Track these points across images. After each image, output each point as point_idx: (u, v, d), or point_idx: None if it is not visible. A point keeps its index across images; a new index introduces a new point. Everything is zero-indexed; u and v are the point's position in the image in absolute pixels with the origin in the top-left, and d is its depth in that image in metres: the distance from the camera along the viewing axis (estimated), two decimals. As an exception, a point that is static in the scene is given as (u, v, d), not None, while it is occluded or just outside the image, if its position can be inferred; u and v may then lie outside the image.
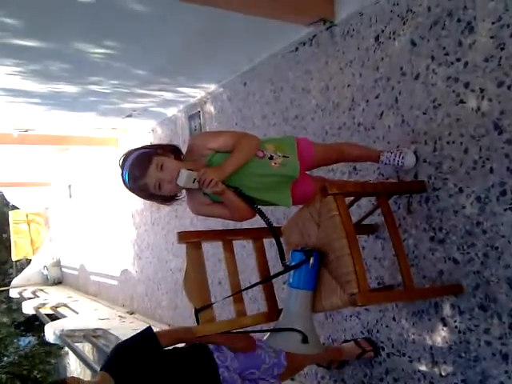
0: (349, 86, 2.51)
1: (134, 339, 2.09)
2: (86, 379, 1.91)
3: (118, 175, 1.81)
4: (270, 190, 1.88)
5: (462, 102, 1.94)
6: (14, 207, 11.81)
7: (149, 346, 2.04)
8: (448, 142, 2.00)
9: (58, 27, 2.58)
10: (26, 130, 5.09)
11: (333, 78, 2.61)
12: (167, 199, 1.86)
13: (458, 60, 1.94)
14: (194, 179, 1.72)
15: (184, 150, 1.88)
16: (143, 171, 1.72)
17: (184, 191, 1.86)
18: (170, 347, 2.13)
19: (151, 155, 1.76)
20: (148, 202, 5.12)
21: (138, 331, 2.13)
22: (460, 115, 1.94)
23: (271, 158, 1.85)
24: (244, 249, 2.97)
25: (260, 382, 2.23)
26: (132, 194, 1.82)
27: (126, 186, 1.79)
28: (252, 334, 2.19)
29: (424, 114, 2.10)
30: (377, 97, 2.34)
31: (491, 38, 1.81)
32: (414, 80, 2.14)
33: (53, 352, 15.23)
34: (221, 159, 1.79)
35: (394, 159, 2.12)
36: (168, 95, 3.94)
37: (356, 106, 2.46)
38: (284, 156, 1.87)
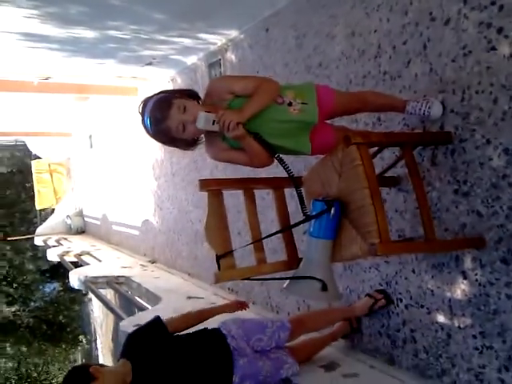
0: (375, 31, 2.41)
1: (144, 327, 2.29)
2: (106, 366, 2.08)
3: (139, 124, 1.80)
4: (289, 137, 1.85)
5: (493, 48, 1.85)
6: (37, 157, 11.95)
7: (158, 332, 2.23)
8: (477, 92, 1.92)
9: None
10: (47, 78, 5.06)
11: (358, 24, 2.51)
12: (189, 143, 1.85)
13: (493, 3, 1.83)
14: (214, 121, 1.69)
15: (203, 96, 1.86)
16: (165, 113, 1.70)
17: (203, 136, 1.85)
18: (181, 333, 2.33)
19: (171, 98, 1.74)
20: (168, 152, 5.13)
21: (148, 321, 2.32)
22: (491, 63, 1.86)
23: (290, 104, 1.81)
24: (263, 201, 2.96)
25: (271, 354, 2.30)
26: (154, 139, 1.81)
27: (148, 132, 1.78)
28: None
29: (453, 61, 2.01)
30: (404, 43, 2.24)
31: (530, -22, 1.70)
32: (444, 25, 2.04)
33: (77, 298, 15.81)
34: (241, 104, 1.76)
35: (420, 109, 2.05)
36: (188, 42, 3.86)
37: (382, 53, 2.37)
38: (303, 103, 1.83)
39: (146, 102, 1.77)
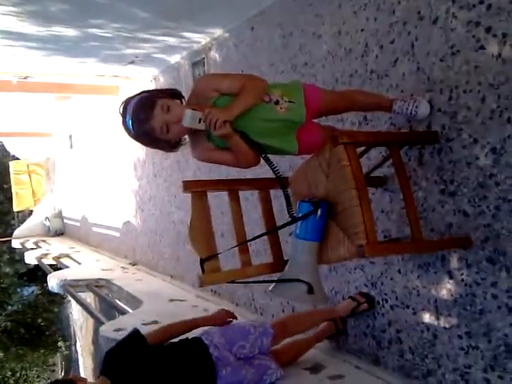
0: (362, 30, 2.39)
1: (122, 342, 2.20)
2: (88, 381, 2.02)
3: (120, 124, 1.75)
4: (275, 136, 1.82)
5: (482, 47, 1.84)
6: (15, 158, 11.75)
7: (137, 347, 2.15)
8: (465, 91, 1.92)
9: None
10: (26, 77, 4.96)
11: (346, 23, 2.49)
12: (172, 145, 1.81)
13: (481, 2, 1.83)
14: (200, 119, 1.65)
15: (187, 96, 1.81)
16: (149, 114, 1.66)
17: (187, 137, 1.81)
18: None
19: (154, 98, 1.70)
20: (150, 152, 5.07)
21: (126, 334, 2.25)
22: (479, 62, 1.86)
23: (277, 102, 1.78)
24: (248, 202, 2.93)
25: (254, 361, 2.26)
26: (136, 141, 1.76)
27: (130, 133, 1.73)
28: None
29: (441, 60, 2.01)
30: (392, 42, 2.23)
31: (518, -23, 1.70)
32: (432, 24, 2.03)
33: (56, 301, 15.55)
34: (227, 102, 1.72)
35: (407, 108, 2.04)
36: (171, 40, 3.81)
37: (369, 52, 2.36)
38: (290, 101, 1.80)
39: (127, 102, 1.72)
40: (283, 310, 3.13)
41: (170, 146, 1.81)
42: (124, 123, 1.72)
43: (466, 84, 1.91)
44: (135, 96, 1.74)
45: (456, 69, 1.95)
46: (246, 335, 2.30)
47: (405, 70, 2.18)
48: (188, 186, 2.02)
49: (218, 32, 3.63)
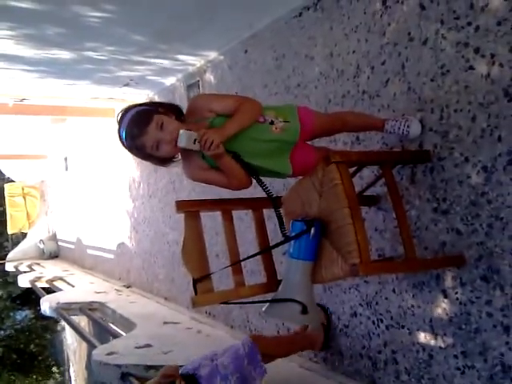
0: (354, 52, 2.43)
1: None
2: None
3: (115, 145, 1.76)
4: (269, 157, 1.82)
5: (471, 68, 1.87)
6: (10, 180, 11.71)
7: None
8: (455, 110, 1.94)
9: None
10: (22, 100, 4.98)
11: (337, 45, 2.53)
12: (164, 161, 1.80)
13: (469, 24, 1.87)
14: (195, 140, 1.66)
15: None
16: (142, 129, 1.65)
17: (180, 154, 1.81)
18: None
19: (152, 113, 1.69)
20: (145, 173, 5.07)
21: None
22: (469, 82, 1.88)
23: (272, 123, 1.79)
24: (242, 222, 2.92)
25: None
26: (128, 152, 1.76)
27: (123, 144, 1.73)
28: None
29: (431, 80, 2.03)
30: (383, 63, 2.26)
31: (505, 0, 1.73)
32: (422, 45, 2.06)
33: (49, 326, 15.34)
34: (222, 122, 1.73)
35: (399, 128, 2.06)
36: (166, 63, 3.85)
37: (361, 73, 2.39)
38: (285, 121, 1.81)
39: (125, 112, 1.72)
40: (278, 331, 3.10)
41: (161, 161, 1.81)
42: (119, 133, 1.73)
43: (457, 103, 1.93)
44: (135, 107, 1.74)
45: (446, 88, 1.97)
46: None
47: (396, 90, 2.20)
48: (181, 206, 2.01)
49: (212, 54, 3.67)
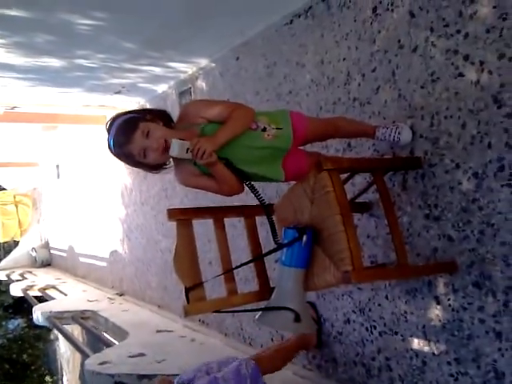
0: (344, 59, 2.44)
1: None
2: None
3: (107, 152, 1.75)
4: (262, 163, 1.82)
5: (460, 75, 1.88)
6: (1, 188, 11.64)
7: None
8: (445, 117, 1.95)
9: (43, -4, 2.48)
10: (13, 108, 4.96)
11: (328, 52, 2.54)
12: (155, 167, 1.80)
13: (458, 31, 1.88)
14: (187, 149, 1.65)
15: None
16: (128, 137, 1.66)
17: (172, 160, 1.81)
18: None
19: (138, 121, 1.69)
20: (137, 180, 5.05)
21: None
22: (458, 89, 1.89)
23: (264, 129, 1.79)
24: (235, 229, 2.91)
25: None
26: (117, 159, 1.76)
27: (112, 152, 1.73)
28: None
29: (422, 87, 2.04)
30: (373, 70, 2.27)
31: (493, 7, 1.75)
32: (412, 53, 2.08)
33: (42, 335, 15.20)
34: (214, 129, 1.72)
35: (389, 135, 2.07)
36: (158, 70, 3.84)
37: (352, 80, 2.40)
38: (277, 128, 1.81)
39: (113, 120, 1.73)
40: (272, 339, 3.09)
41: (151, 168, 1.81)
42: (107, 141, 1.73)
43: (447, 110, 1.94)
44: (122, 115, 1.74)
45: (436, 95, 1.98)
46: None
47: (387, 97, 2.21)
48: (173, 214, 2.00)
49: (204, 62, 3.67)
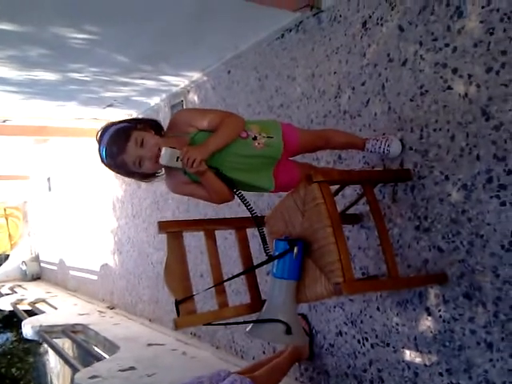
0: (335, 73, 2.47)
1: None
2: None
3: (98, 165, 1.75)
4: (252, 172, 1.83)
5: (449, 88, 1.91)
6: (-8, 201, 11.55)
7: None
8: (435, 130, 1.97)
9: (35, 9, 2.48)
10: (4, 121, 4.95)
11: (319, 66, 2.57)
12: (147, 176, 1.81)
13: (447, 45, 1.91)
14: (177, 157, 1.66)
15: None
16: (122, 148, 1.65)
17: (163, 168, 1.81)
18: None
19: (130, 130, 1.69)
20: (129, 193, 5.03)
21: None
22: (447, 102, 1.92)
23: (255, 138, 1.80)
24: (226, 241, 2.92)
25: None
26: (109, 170, 1.76)
27: (103, 162, 1.72)
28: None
29: (411, 100, 2.07)
30: (363, 84, 2.30)
31: (480, 22, 1.78)
32: (402, 66, 2.10)
33: (32, 349, 15.00)
34: (204, 138, 1.74)
35: (379, 147, 2.09)
36: (150, 84, 3.86)
37: (342, 93, 2.43)
38: (268, 137, 1.82)
39: (104, 130, 1.72)
40: (264, 352, 3.08)
41: (144, 177, 1.82)
42: (99, 151, 1.72)
43: (436, 123, 1.97)
44: (114, 125, 1.73)
45: (425, 108, 2.01)
46: None
47: (376, 110, 2.24)
48: (163, 226, 2.00)
49: (196, 75, 3.69)
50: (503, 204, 1.74)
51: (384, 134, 2.17)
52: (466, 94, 1.85)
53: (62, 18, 2.59)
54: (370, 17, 2.24)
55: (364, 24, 2.28)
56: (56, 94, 4.00)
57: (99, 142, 1.71)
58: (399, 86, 2.12)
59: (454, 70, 1.89)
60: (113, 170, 1.76)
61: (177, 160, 1.66)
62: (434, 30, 1.95)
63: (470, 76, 1.83)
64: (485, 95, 1.78)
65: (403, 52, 2.10)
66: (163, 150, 1.66)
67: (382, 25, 2.19)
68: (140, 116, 4.74)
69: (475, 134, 1.82)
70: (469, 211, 1.86)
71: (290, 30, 2.76)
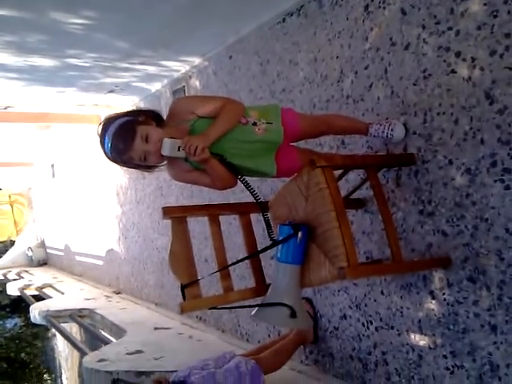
0: (337, 57, 2.45)
1: None
2: None
3: (101, 150, 1.75)
4: (254, 157, 1.84)
5: (452, 71, 1.90)
6: (-4, 188, 11.61)
7: None
8: (438, 113, 1.96)
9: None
10: (6, 108, 4.94)
11: (321, 50, 2.55)
12: (151, 167, 1.82)
13: (450, 29, 1.89)
14: (179, 147, 1.66)
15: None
16: (129, 144, 1.66)
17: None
18: None
19: (135, 125, 1.69)
20: (133, 179, 5.04)
21: None
22: (451, 85, 1.91)
23: (255, 124, 1.81)
24: (230, 226, 2.93)
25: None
26: (113, 163, 1.76)
27: (107, 156, 1.73)
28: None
29: (414, 84, 2.05)
30: (366, 68, 2.28)
31: (484, 5, 1.76)
32: (404, 50, 2.09)
33: (40, 334, 15.19)
34: (204, 125, 1.74)
35: (383, 131, 2.08)
36: (151, 69, 3.84)
37: (345, 77, 2.41)
38: (268, 122, 1.83)
39: (107, 124, 1.71)
40: (269, 335, 3.11)
41: (148, 168, 1.84)
42: (102, 145, 1.72)
43: (439, 107, 1.96)
44: (116, 118, 1.73)
45: (429, 92, 1.99)
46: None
47: (379, 94, 2.22)
48: (168, 211, 2.02)
49: (197, 60, 3.67)
50: (507, 188, 1.74)
51: (387, 119, 2.16)
52: (470, 78, 1.83)
53: (60, 2, 2.57)
54: (372, 0, 2.22)
55: (366, 7, 2.26)
56: (56, 80, 4.00)
57: (102, 136, 1.71)
58: (402, 70, 2.10)
59: (458, 54, 1.87)
60: (118, 164, 1.77)
61: (178, 149, 1.67)
62: (437, 12, 1.93)
63: (473, 59, 1.82)
64: (488, 78, 1.77)
65: (406, 36, 2.08)
66: (164, 140, 1.67)
67: (384, 8, 2.17)
68: (142, 103, 4.73)
69: (479, 118, 1.81)
70: (473, 195, 1.86)
71: (292, 15, 2.73)
